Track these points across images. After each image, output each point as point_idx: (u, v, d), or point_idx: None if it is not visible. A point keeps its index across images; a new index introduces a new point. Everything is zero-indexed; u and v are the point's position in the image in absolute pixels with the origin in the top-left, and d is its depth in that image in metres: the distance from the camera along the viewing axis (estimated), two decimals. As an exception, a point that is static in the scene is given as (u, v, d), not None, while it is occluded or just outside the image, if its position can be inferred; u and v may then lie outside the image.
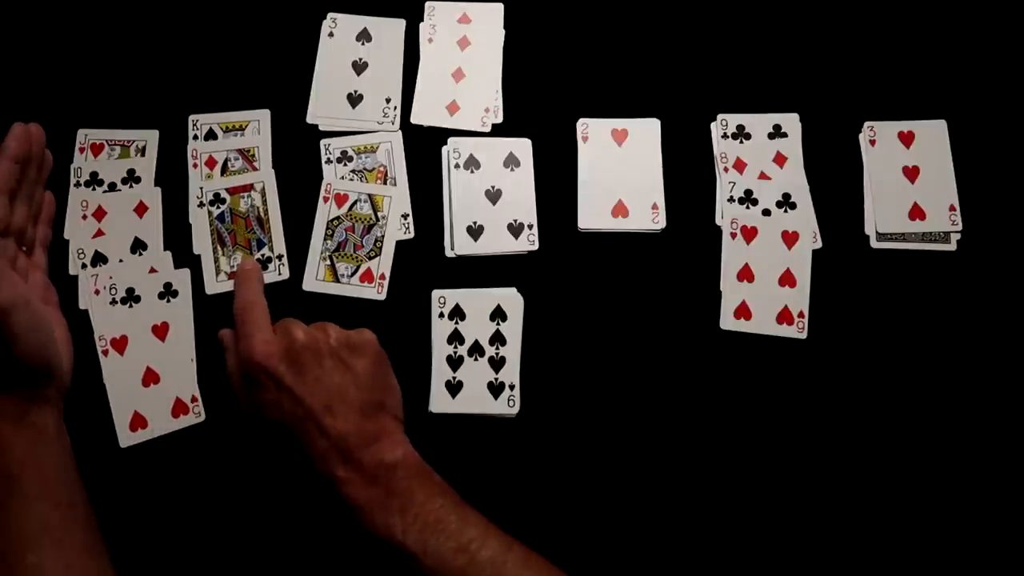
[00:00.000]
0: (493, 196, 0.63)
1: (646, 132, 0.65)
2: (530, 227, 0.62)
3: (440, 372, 0.59)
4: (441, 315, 0.60)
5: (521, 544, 0.50)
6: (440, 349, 0.59)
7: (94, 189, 0.62)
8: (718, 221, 0.63)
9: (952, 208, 0.62)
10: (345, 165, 0.64)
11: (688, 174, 0.64)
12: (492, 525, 0.51)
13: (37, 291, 0.56)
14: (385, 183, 0.63)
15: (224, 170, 0.63)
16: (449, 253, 0.62)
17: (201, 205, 0.62)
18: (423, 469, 0.52)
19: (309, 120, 0.65)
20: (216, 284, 0.61)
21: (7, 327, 0.50)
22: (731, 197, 0.63)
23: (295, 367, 0.52)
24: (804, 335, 0.60)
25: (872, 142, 0.64)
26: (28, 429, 0.52)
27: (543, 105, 0.65)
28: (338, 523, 0.52)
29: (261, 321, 0.54)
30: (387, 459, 0.51)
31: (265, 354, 0.52)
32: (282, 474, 0.57)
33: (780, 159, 0.64)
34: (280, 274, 0.61)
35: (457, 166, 0.64)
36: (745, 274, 0.61)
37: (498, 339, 0.60)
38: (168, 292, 0.60)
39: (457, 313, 0.60)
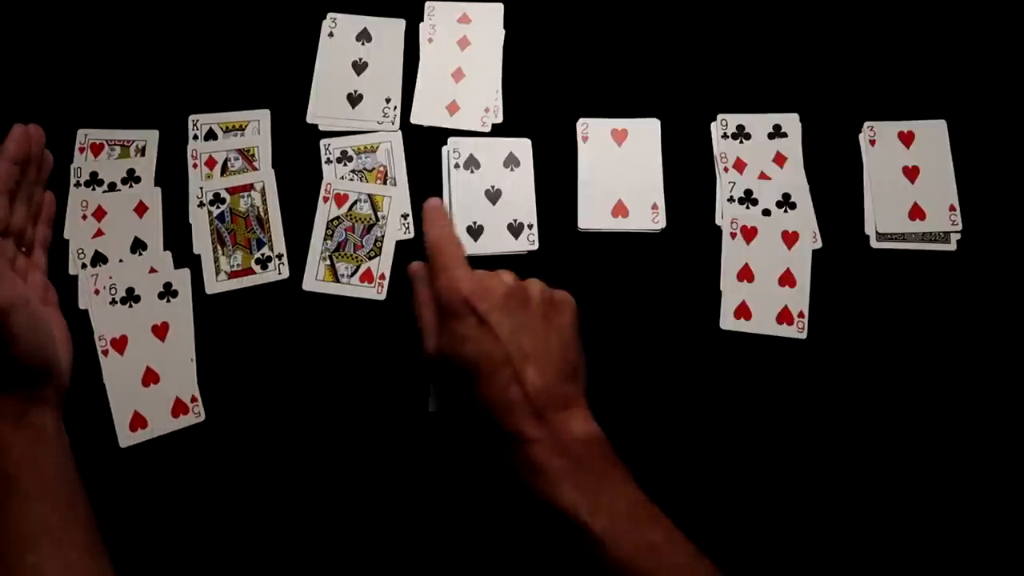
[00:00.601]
0: (493, 196, 0.63)
1: (646, 132, 0.65)
2: (530, 227, 0.62)
3: (440, 372, 0.59)
4: (441, 315, 0.60)
5: (709, 560, 0.48)
6: (440, 349, 0.59)
7: (94, 189, 0.62)
8: (718, 221, 0.63)
9: (952, 208, 0.62)
10: (345, 165, 0.64)
11: (688, 174, 0.64)
12: (680, 531, 0.49)
13: (36, 291, 0.56)
14: (385, 183, 0.63)
15: (224, 170, 0.63)
16: (449, 253, 0.62)
17: (201, 205, 0.62)
18: (613, 452, 0.50)
19: (309, 120, 0.65)
20: (216, 284, 0.61)
21: (6, 327, 0.49)
22: (731, 197, 0.63)
23: (502, 307, 0.50)
24: (804, 335, 0.60)
25: (872, 142, 0.64)
26: (27, 429, 0.52)
27: (543, 105, 0.65)
28: (507, 480, 0.50)
29: (460, 256, 0.52)
30: (579, 431, 0.49)
31: (473, 288, 0.50)
32: (282, 475, 0.57)
33: (780, 159, 0.64)
34: (280, 274, 0.61)
35: (457, 166, 0.64)
36: (745, 274, 0.61)
37: (498, 339, 0.60)
38: (168, 292, 0.60)
39: (457, 313, 0.60)
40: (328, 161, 0.64)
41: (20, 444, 0.51)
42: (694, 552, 0.48)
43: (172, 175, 0.63)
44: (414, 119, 0.65)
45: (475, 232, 0.62)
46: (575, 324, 0.53)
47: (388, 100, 0.65)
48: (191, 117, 0.64)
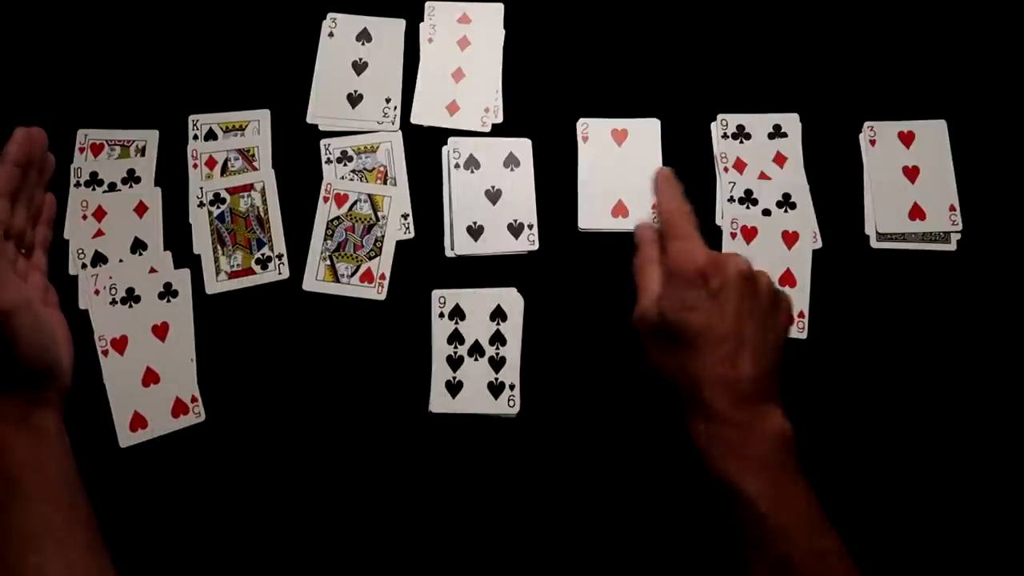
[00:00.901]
0: (493, 196, 0.63)
1: (646, 132, 0.65)
2: (530, 227, 0.62)
3: (440, 372, 0.59)
4: (441, 315, 0.60)
5: None
6: (440, 349, 0.59)
7: (94, 189, 0.62)
8: (718, 221, 0.63)
9: (952, 208, 0.62)
10: (345, 165, 0.64)
11: (688, 174, 0.64)
12: (844, 546, 0.49)
13: (37, 292, 0.56)
14: (385, 183, 0.63)
15: (224, 170, 0.63)
16: (449, 253, 0.62)
17: (201, 205, 0.62)
18: (797, 456, 0.50)
19: (309, 120, 0.65)
20: (216, 284, 0.61)
21: (10, 330, 0.50)
22: (731, 197, 0.63)
23: (734, 287, 0.50)
24: (804, 335, 0.60)
25: (872, 142, 0.64)
26: (29, 431, 0.52)
27: (543, 105, 0.65)
28: (688, 445, 0.51)
29: (696, 227, 0.53)
30: (774, 425, 0.49)
31: (709, 261, 0.51)
32: (282, 475, 0.57)
33: (780, 159, 0.64)
34: (280, 274, 0.61)
35: (457, 166, 0.64)
36: (745, 274, 0.61)
37: (498, 339, 0.60)
38: (168, 292, 0.60)
39: (457, 313, 0.60)
40: (328, 161, 0.64)
41: (23, 445, 0.51)
42: (854, 570, 0.48)
43: (172, 175, 0.63)
44: (414, 119, 0.65)
45: (475, 232, 0.62)
46: (788, 328, 0.53)
47: (388, 100, 0.65)
48: (191, 117, 0.64)
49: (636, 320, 0.54)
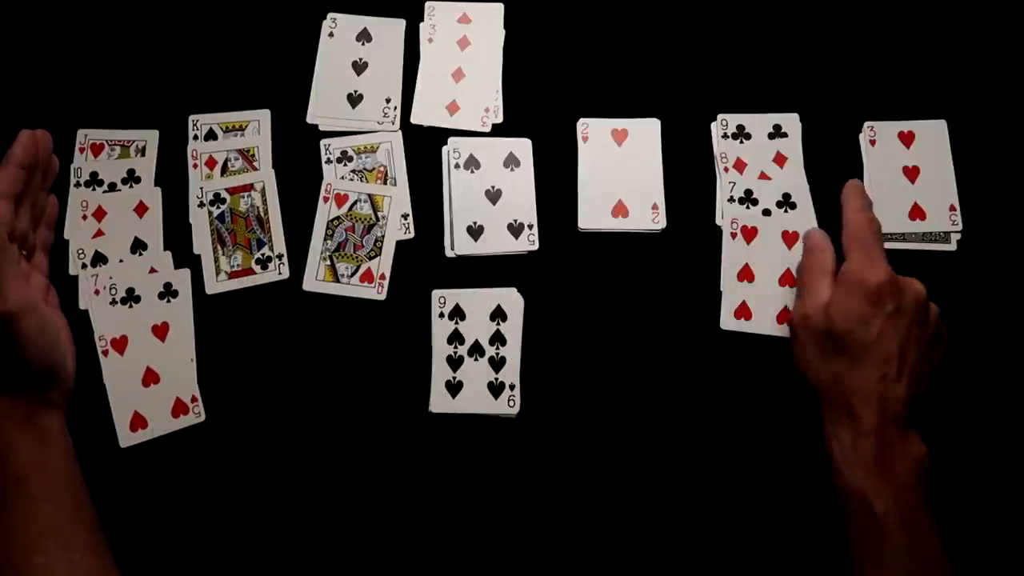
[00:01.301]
0: (493, 196, 0.63)
1: (646, 132, 0.65)
2: (530, 227, 0.62)
3: (440, 372, 0.59)
4: (441, 315, 0.60)
5: None
6: (440, 349, 0.59)
7: (94, 189, 0.62)
8: (718, 221, 0.63)
9: (952, 208, 0.62)
10: (345, 165, 0.64)
11: (688, 174, 0.64)
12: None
13: (38, 293, 0.56)
14: (385, 183, 0.63)
15: (224, 170, 0.63)
16: (449, 253, 0.62)
17: (201, 205, 0.62)
18: (925, 483, 0.52)
19: (309, 120, 0.65)
20: (216, 284, 0.61)
21: (15, 332, 0.50)
22: (731, 197, 0.63)
23: (908, 312, 0.52)
24: (804, 335, 0.60)
25: (872, 142, 0.64)
26: (34, 431, 0.52)
27: (543, 105, 0.65)
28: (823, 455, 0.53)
29: (882, 244, 0.54)
30: (914, 449, 0.51)
31: (892, 280, 0.52)
32: (282, 475, 0.57)
33: (780, 159, 0.64)
34: (280, 274, 0.61)
35: (457, 166, 0.64)
36: (745, 274, 0.61)
37: (498, 339, 0.60)
38: (168, 292, 0.60)
39: (457, 313, 0.60)
40: (328, 161, 0.64)
41: (28, 446, 0.52)
42: None
43: (172, 175, 0.63)
44: (414, 119, 0.65)
45: (475, 232, 0.62)
46: (942, 360, 0.55)
47: (388, 100, 0.65)
48: (191, 117, 0.64)
49: (798, 321, 0.55)
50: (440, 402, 0.59)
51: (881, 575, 0.49)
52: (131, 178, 0.63)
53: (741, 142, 0.64)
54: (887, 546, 0.49)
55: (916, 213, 0.62)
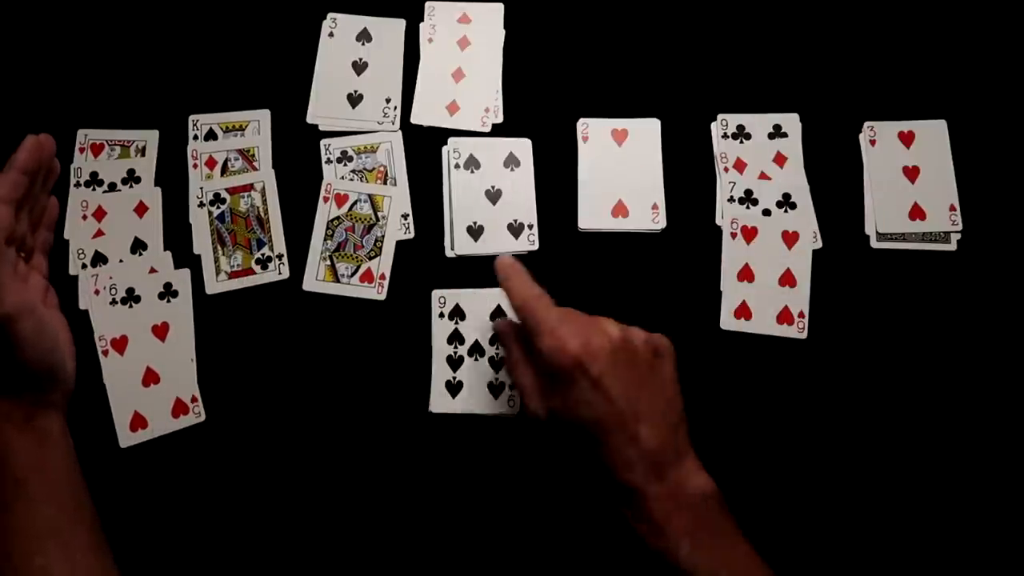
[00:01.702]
0: (493, 196, 0.63)
1: (646, 132, 0.65)
2: (530, 227, 0.62)
3: (440, 372, 0.59)
4: (441, 315, 0.60)
5: None
6: (440, 349, 0.59)
7: (94, 189, 0.62)
8: (718, 221, 0.63)
9: (952, 208, 0.62)
10: (345, 165, 0.64)
11: (688, 174, 0.64)
12: None
13: (37, 294, 0.56)
14: (385, 183, 0.63)
15: (224, 170, 0.63)
16: (449, 253, 0.62)
17: (201, 205, 0.62)
18: (724, 505, 0.50)
19: (309, 120, 0.65)
20: (216, 284, 0.61)
21: (13, 334, 0.50)
22: (731, 197, 0.63)
23: (612, 366, 0.48)
24: (804, 335, 0.60)
25: (872, 142, 0.64)
26: (34, 432, 0.52)
27: (543, 105, 0.65)
28: (622, 531, 0.50)
29: (553, 311, 0.50)
30: (695, 485, 0.49)
31: (581, 349, 0.48)
32: (282, 475, 0.57)
33: (780, 159, 0.64)
34: (280, 274, 0.61)
35: (457, 166, 0.64)
36: (745, 274, 0.61)
37: (498, 339, 0.60)
38: (168, 292, 0.60)
39: (457, 313, 0.60)
40: (328, 161, 0.64)
41: (27, 447, 0.52)
42: None
43: (172, 175, 0.63)
44: (414, 119, 0.65)
45: (475, 232, 0.62)
46: (675, 370, 0.52)
47: (388, 100, 0.65)
48: (191, 117, 0.64)
49: (531, 423, 0.51)
50: (440, 402, 0.59)
51: None
52: (131, 178, 0.63)
53: (741, 142, 0.64)
54: None
55: (916, 213, 0.62)
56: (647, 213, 0.63)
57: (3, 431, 0.51)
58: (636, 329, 0.51)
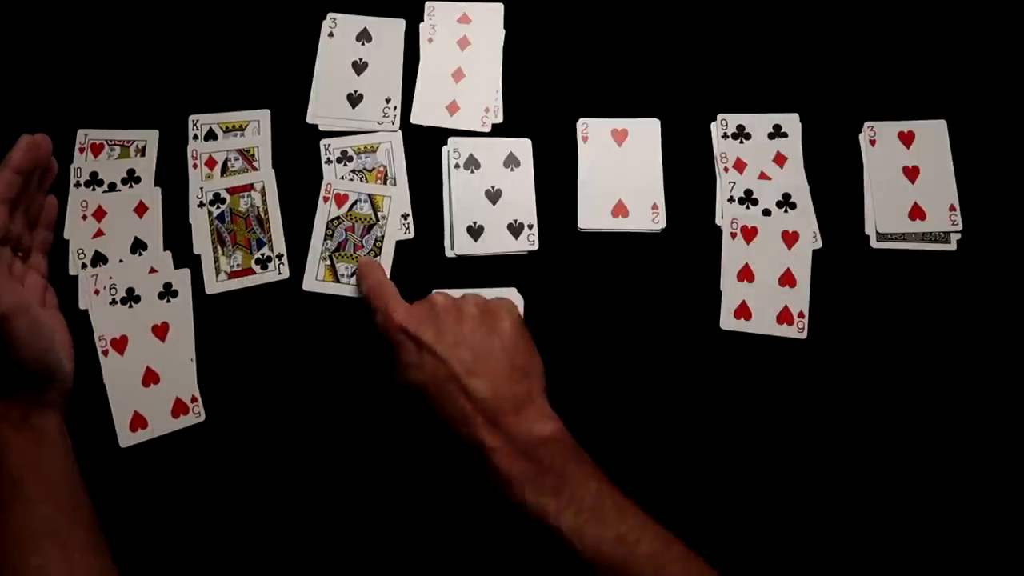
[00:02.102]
0: (493, 196, 0.63)
1: (646, 132, 0.65)
2: (530, 227, 0.62)
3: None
4: (441, 315, 0.60)
5: (680, 541, 0.48)
6: (440, 349, 0.59)
7: (94, 189, 0.62)
8: (718, 221, 0.63)
9: (952, 208, 0.62)
10: (345, 165, 0.64)
11: (688, 174, 0.64)
12: (648, 516, 0.49)
13: (35, 294, 0.56)
14: (385, 183, 0.63)
15: (224, 170, 0.63)
16: (449, 253, 0.62)
17: (201, 205, 0.62)
18: (576, 448, 0.51)
19: (309, 120, 0.65)
20: (216, 284, 0.61)
21: (8, 333, 0.50)
22: (731, 197, 0.63)
23: (435, 327, 0.52)
24: (804, 335, 0.60)
25: (872, 142, 0.64)
26: (31, 432, 0.52)
27: (543, 105, 0.65)
28: (484, 493, 0.51)
29: (394, 295, 0.55)
30: (537, 431, 0.50)
31: (405, 315, 0.52)
32: (282, 475, 0.57)
33: (780, 159, 0.64)
34: (280, 274, 0.61)
35: (457, 166, 0.64)
36: (745, 274, 0.61)
37: (498, 339, 0.60)
38: (168, 292, 0.60)
39: (457, 313, 0.60)
40: (328, 161, 0.64)
41: (24, 446, 0.51)
42: (664, 537, 0.48)
43: (172, 175, 0.63)
44: (414, 119, 0.65)
45: (475, 232, 0.62)
46: (517, 327, 0.54)
47: (388, 100, 0.65)
48: (191, 117, 0.64)
49: (397, 399, 0.55)
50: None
51: (573, 564, 0.48)
52: (131, 178, 0.63)
53: (741, 142, 0.64)
54: (557, 538, 0.47)
55: (916, 213, 0.62)
56: (647, 213, 0.63)
57: (0, 430, 0.51)
58: (472, 294, 0.55)
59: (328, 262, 0.61)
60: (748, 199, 0.63)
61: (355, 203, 0.63)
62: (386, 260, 0.61)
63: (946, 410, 0.59)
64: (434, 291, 0.55)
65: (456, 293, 0.56)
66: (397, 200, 0.63)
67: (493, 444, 0.49)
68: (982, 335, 0.60)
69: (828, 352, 0.60)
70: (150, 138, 0.64)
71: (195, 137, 0.64)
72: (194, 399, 0.58)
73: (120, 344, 0.58)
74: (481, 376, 0.50)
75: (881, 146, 0.64)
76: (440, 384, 0.51)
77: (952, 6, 0.67)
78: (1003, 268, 0.61)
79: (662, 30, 0.67)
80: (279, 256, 0.61)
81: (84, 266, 0.60)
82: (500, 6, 0.67)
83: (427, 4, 0.68)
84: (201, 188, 0.62)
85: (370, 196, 0.63)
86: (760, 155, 0.64)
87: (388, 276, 0.59)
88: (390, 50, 0.67)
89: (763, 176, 0.63)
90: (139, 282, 0.60)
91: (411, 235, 0.62)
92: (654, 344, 0.60)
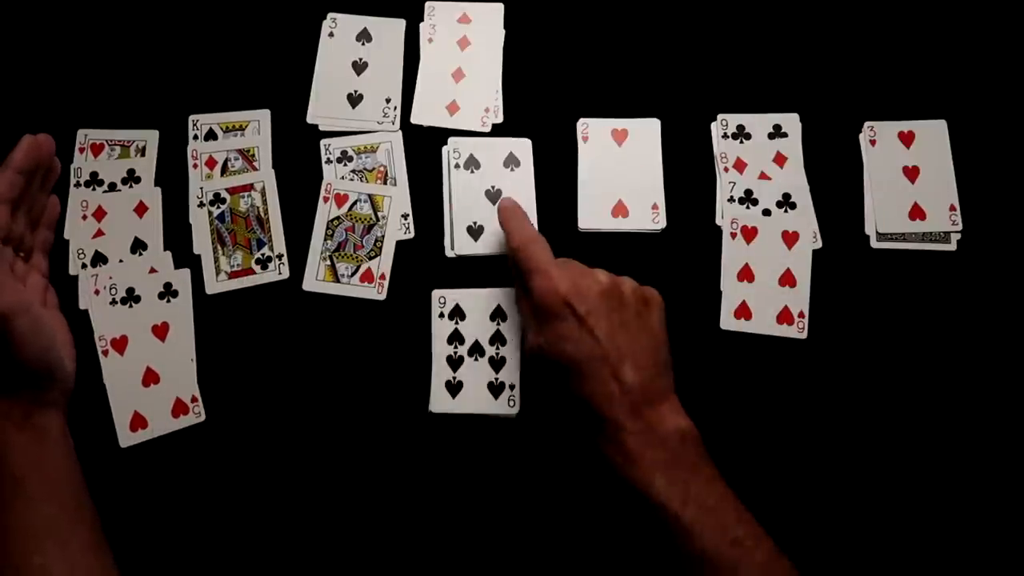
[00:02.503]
0: (493, 196, 0.63)
1: (646, 132, 0.65)
2: (530, 227, 0.62)
3: (440, 372, 0.59)
4: (441, 315, 0.60)
5: (786, 557, 0.49)
6: (440, 349, 0.59)
7: (94, 189, 0.62)
8: (718, 221, 0.63)
9: (952, 208, 0.62)
10: (345, 165, 0.64)
11: (688, 174, 0.64)
12: (763, 528, 0.50)
13: (36, 294, 0.56)
14: (385, 183, 0.63)
15: (224, 170, 0.63)
16: (449, 253, 0.62)
17: (201, 205, 0.62)
18: (703, 447, 0.51)
19: (309, 120, 0.65)
20: (216, 284, 0.61)
21: (9, 332, 0.50)
22: (731, 197, 0.63)
23: (599, 307, 0.52)
24: (804, 335, 0.60)
25: (872, 142, 0.64)
26: (32, 431, 0.52)
27: (543, 105, 0.65)
28: (597, 467, 0.52)
29: (549, 255, 0.54)
30: (672, 424, 0.51)
31: (570, 289, 0.52)
32: (282, 475, 0.57)
33: (780, 159, 0.64)
34: (280, 274, 0.61)
35: (457, 166, 0.64)
36: (745, 274, 0.61)
37: (498, 339, 0.60)
38: (168, 292, 0.60)
39: (457, 313, 0.60)
40: (328, 161, 0.64)
41: (25, 446, 0.52)
42: (774, 551, 0.49)
43: (172, 175, 0.63)
44: (414, 119, 0.65)
45: (475, 232, 0.62)
46: (664, 320, 0.54)
47: (388, 100, 0.65)
48: (191, 117, 0.64)
49: (529, 358, 0.55)
50: (440, 402, 0.59)
51: (678, 556, 0.48)
52: (131, 178, 0.63)
53: (741, 142, 0.64)
54: (676, 526, 0.48)
55: (916, 213, 0.62)
56: (647, 213, 0.63)
57: (1, 429, 0.52)
58: (627, 278, 0.55)
59: (328, 262, 0.61)
60: (748, 199, 0.63)
61: (355, 203, 0.63)
62: (386, 260, 0.61)
63: (946, 410, 0.59)
64: (578, 264, 0.54)
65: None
66: (397, 200, 0.63)
67: (632, 427, 0.50)
68: (982, 335, 0.60)
69: (828, 352, 0.60)
70: (150, 138, 0.64)
71: (195, 137, 0.64)
72: (194, 399, 0.58)
73: (120, 344, 0.58)
74: (632, 364, 0.51)
75: (881, 146, 0.64)
76: (592, 363, 0.51)
77: (952, 6, 0.67)
78: (1003, 268, 0.62)
79: (662, 30, 0.67)
80: (279, 256, 0.61)
81: (84, 266, 0.60)
82: (500, 6, 0.67)
83: (427, 4, 0.68)
84: (201, 188, 0.62)
85: (370, 196, 0.63)
86: (760, 155, 0.64)
87: (531, 223, 0.57)
88: (390, 50, 0.67)
89: (763, 176, 0.63)
90: (139, 282, 0.60)
91: (411, 235, 0.62)
92: (654, 344, 0.60)
